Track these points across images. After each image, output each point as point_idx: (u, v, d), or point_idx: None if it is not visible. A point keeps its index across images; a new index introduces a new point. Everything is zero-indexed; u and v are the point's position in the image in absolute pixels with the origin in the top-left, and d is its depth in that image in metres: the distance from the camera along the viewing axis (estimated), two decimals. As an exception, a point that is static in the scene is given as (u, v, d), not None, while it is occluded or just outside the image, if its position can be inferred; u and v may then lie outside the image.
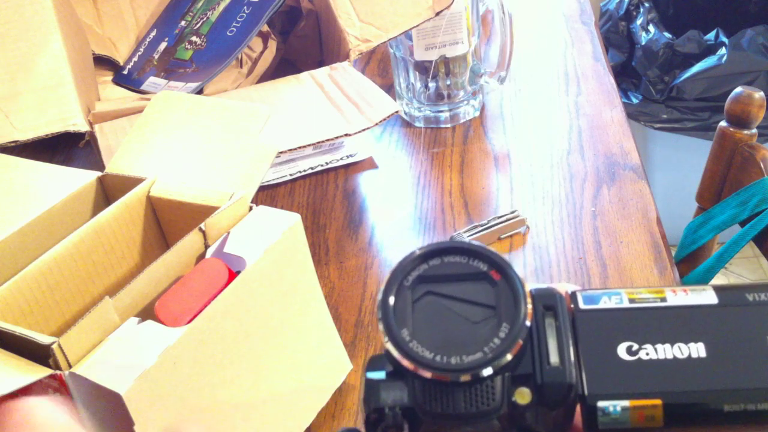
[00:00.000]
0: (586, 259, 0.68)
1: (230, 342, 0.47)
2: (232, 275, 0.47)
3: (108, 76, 0.92)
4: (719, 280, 1.80)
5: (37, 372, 0.40)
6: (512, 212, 0.73)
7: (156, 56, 0.90)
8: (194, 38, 0.88)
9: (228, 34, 0.85)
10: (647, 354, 0.28)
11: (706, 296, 0.30)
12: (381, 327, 0.29)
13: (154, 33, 0.94)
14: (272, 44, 0.90)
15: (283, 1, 0.83)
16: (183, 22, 0.91)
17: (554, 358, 0.28)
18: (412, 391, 0.28)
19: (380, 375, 0.29)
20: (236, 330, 0.47)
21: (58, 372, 0.40)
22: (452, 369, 0.27)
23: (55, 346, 0.40)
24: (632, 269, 0.67)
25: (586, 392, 0.28)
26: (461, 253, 0.30)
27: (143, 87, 0.88)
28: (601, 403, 0.28)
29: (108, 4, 0.94)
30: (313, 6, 0.91)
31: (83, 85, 0.74)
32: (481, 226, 0.71)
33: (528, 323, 0.28)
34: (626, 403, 0.28)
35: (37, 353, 0.40)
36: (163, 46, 0.91)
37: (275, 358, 0.51)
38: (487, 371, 0.27)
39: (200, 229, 0.48)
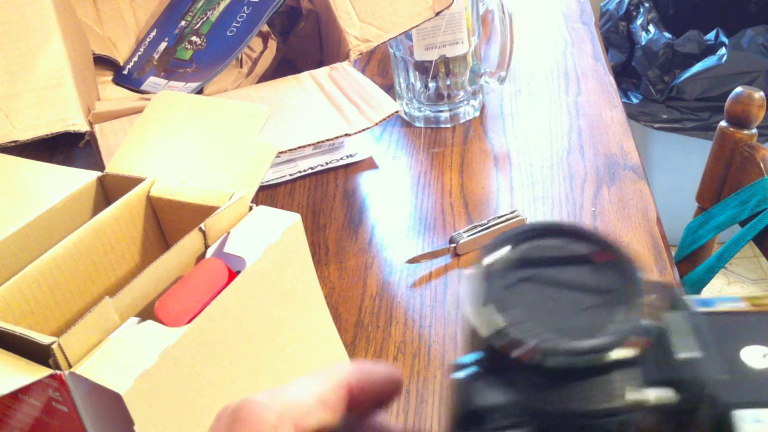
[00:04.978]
0: (586, 259, 0.68)
1: (230, 342, 0.47)
2: (232, 275, 0.47)
3: (108, 76, 0.92)
4: (719, 280, 1.80)
5: (37, 372, 0.40)
6: (512, 212, 0.73)
7: (156, 56, 0.90)
8: (194, 38, 0.88)
9: (228, 34, 0.85)
10: None
11: None
12: (475, 314, 0.25)
13: (154, 33, 0.94)
14: (272, 44, 0.90)
15: (283, 1, 0.83)
16: (183, 22, 0.91)
17: (685, 354, 0.25)
18: (521, 388, 0.24)
19: (468, 374, 0.25)
20: (236, 330, 0.47)
21: (58, 372, 0.40)
22: (571, 352, 0.24)
23: (55, 346, 0.40)
24: (632, 269, 0.67)
25: (718, 400, 0.25)
26: (559, 234, 0.27)
27: (143, 87, 0.88)
28: (738, 412, 0.24)
29: (108, 4, 0.94)
30: (313, 6, 0.91)
31: (83, 85, 0.74)
32: (481, 226, 0.71)
33: (649, 312, 0.25)
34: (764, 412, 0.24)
35: (37, 353, 0.40)
36: (163, 46, 0.91)
37: (275, 358, 0.51)
38: (613, 354, 0.24)
39: (200, 229, 0.48)
